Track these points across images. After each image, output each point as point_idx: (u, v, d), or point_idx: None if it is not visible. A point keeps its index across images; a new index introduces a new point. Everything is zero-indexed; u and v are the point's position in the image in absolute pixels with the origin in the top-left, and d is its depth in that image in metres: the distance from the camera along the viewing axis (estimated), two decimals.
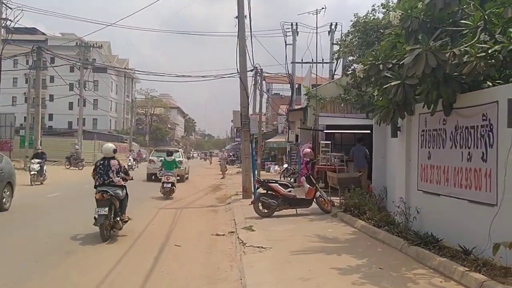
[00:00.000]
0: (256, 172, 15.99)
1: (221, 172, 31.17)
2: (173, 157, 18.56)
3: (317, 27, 19.59)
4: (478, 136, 6.55)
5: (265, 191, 11.44)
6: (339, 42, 14.02)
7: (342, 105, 17.54)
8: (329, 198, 12.11)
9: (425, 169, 8.10)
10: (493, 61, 6.35)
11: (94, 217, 8.73)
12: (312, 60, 26.92)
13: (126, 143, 65.35)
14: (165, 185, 16.64)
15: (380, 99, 8.41)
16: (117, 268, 6.87)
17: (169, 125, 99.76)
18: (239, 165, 46.54)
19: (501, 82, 6.95)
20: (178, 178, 20.50)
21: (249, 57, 22.20)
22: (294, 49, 35.02)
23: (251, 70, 32.28)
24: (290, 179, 19.35)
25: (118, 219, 9.10)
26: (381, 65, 7.74)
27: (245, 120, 15.48)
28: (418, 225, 8.02)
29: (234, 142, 59.71)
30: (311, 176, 11.67)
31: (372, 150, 12.64)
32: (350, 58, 13.84)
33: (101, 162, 9.35)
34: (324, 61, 31.34)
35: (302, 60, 33.76)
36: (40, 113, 31.58)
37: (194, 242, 9.05)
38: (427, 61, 6.38)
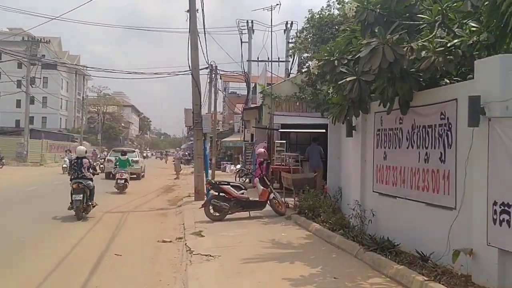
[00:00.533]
0: (209, 172, 15.34)
1: (175, 172, 30.25)
2: (126, 156, 20.66)
3: (272, 23, 19.31)
4: (436, 136, 6.24)
5: (216, 194, 10.87)
6: (293, 39, 13.57)
7: (298, 103, 17.19)
8: (283, 199, 11.67)
9: (380, 170, 7.77)
10: (451, 56, 6.06)
11: (70, 202, 11.42)
12: (268, 58, 26.59)
13: (77, 142, 62.99)
14: (118, 181, 18.55)
15: (335, 96, 8.02)
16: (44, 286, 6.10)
17: (122, 124, 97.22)
18: (193, 165, 45.77)
19: (458, 79, 6.68)
20: (135, 176, 24.47)
21: (203, 54, 21.63)
22: (250, 47, 34.60)
23: (206, 68, 31.72)
24: (245, 180, 18.84)
25: (90, 203, 11.84)
26: (336, 61, 7.34)
27: (197, 118, 14.82)
28: (373, 228, 7.68)
29: (190, 141, 58.80)
30: (265, 177, 11.19)
31: (327, 150, 12.33)
32: (305, 55, 13.48)
33: (76, 160, 12.13)
34: (280, 59, 31.40)
35: (258, 58, 33.44)
36: None
37: (137, 250, 8.35)
38: (384, 55, 6.00)
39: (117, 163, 19.70)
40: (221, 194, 10.80)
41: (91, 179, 11.92)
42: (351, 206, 8.29)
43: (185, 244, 8.36)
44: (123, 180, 18.47)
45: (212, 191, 11.17)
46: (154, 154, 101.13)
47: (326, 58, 7.39)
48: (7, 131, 59.05)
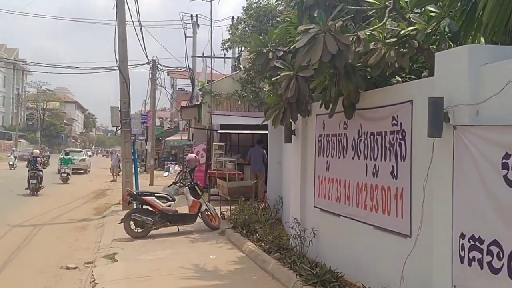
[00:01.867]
0: (138, 178, 13.76)
1: (112, 174, 28.15)
2: (69, 156, 28.45)
3: (211, 16, 17.88)
4: (386, 145, 5.12)
5: (139, 206, 9.43)
6: (229, 31, 12.31)
7: (239, 102, 15.95)
8: (220, 208, 10.39)
9: (323, 182, 6.62)
10: (405, 50, 4.97)
11: (28, 185, 17.93)
12: (214, 54, 25.23)
13: (12, 140, 59.05)
14: (62, 174, 24.66)
15: (270, 94, 6.79)
16: None
17: (65, 121, 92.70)
18: (139, 163, 43.50)
19: (412, 77, 5.63)
20: (82, 171, 32.87)
21: (142, 48, 19.91)
22: (195, 42, 33.07)
23: (148, 63, 29.85)
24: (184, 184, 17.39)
25: (40, 185, 18.13)
26: (270, 53, 6.11)
27: (125, 118, 13.23)
28: (315, 250, 6.53)
29: (138, 140, 56.43)
30: (196, 186, 9.83)
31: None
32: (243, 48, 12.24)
33: (33, 158, 18.93)
34: (226, 56, 30.13)
35: (203, 54, 32.03)
36: None
37: (28, 282, 6.78)
38: (325, 46, 4.79)
39: (62, 161, 26.71)
40: (144, 206, 9.36)
41: (41, 171, 18.65)
42: (290, 224, 7.09)
43: (92, 272, 6.89)
44: (66, 174, 24.66)
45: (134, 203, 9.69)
46: (99, 152, 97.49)
47: (258, 49, 6.15)
48: None
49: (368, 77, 5.59)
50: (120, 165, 32.20)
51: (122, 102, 13.35)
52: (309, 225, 6.81)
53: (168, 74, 50.16)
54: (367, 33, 5.11)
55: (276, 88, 6.18)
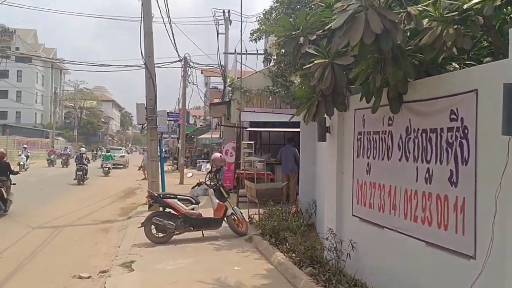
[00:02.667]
0: (164, 178, 13.16)
1: (144, 172, 27.83)
2: (110, 153, 32.20)
3: (241, 10, 17.09)
4: (442, 145, 4.22)
5: (161, 209, 8.78)
6: (259, 20, 11.53)
7: (270, 98, 15.12)
8: (247, 213, 9.65)
9: (363, 187, 5.74)
10: (467, 28, 4.06)
11: (75, 176, 21.83)
12: (246, 51, 24.51)
13: (50, 138, 60.18)
14: (104, 168, 29.25)
15: (302, 87, 5.96)
16: None
17: (102, 119, 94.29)
18: (171, 162, 43.27)
19: (472, 63, 4.69)
20: (122, 166, 37.23)
21: (173, 45, 19.43)
22: (227, 38, 32.44)
23: (179, 61, 29.46)
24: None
25: (86, 177, 22.22)
26: (301, 38, 5.29)
27: (152, 115, 12.66)
28: (353, 266, 5.67)
29: (170, 138, 56.51)
30: (221, 187, 9.09)
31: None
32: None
33: (80, 154, 22.80)
34: (259, 52, 29.37)
35: (235, 51, 31.49)
36: None
37: None
38: (367, 24, 3.95)
39: (104, 157, 31.31)
40: (166, 210, 8.71)
41: (86, 165, 22.34)
42: (325, 235, 6.24)
43: (104, 284, 6.26)
44: (107, 168, 29.31)
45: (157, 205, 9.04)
46: (135, 150, 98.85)
47: (287, 33, 5.33)
48: None
49: (418, 63, 4.70)
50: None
51: (148, 99, 12.79)
52: (346, 236, 5.95)
53: (202, 73, 49.98)
54: (419, 8, 4.23)
55: (308, 78, 5.36)
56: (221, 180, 9.55)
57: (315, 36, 5.24)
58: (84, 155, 22.98)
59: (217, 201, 8.85)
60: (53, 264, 7.61)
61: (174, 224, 8.45)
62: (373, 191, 5.47)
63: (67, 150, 39.81)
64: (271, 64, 11.35)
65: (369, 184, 5.57)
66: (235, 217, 8.95)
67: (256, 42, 12.04)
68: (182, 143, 24.90)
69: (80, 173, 22.07)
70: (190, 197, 8.93)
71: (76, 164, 22.55)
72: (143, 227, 8.51)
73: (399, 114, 4.88)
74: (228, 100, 16.37)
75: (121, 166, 36.96)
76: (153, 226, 8.48)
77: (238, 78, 16.35)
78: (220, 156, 9.95)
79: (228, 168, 15.36)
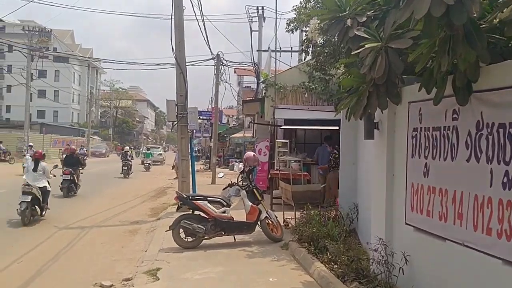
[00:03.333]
0: (195, 177, 12.60)
1: (176, 172, 27.55)
2: (150, 151, 38.78)
3: (276, 5, 16.41)
4: None
5: (190, 212, 8.18)
6: (296, 9, 10.75)
7: (306, 95, 14.38)
8: (282, 216, 8.96)
9: (419, 191, 4.96)
10: None
11: (121, 171, 25.52)
12: (280, 48, 23.84)
13: (90, 137, 61.23)
14: (145, 164, 32.93)
15: (348, 76, 5.22)
16: None
17: (137, 119, 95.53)
18: (203, 161, 43.01)
19: None
20: (159, 162, 39.83)
21: (205, 42, 18.95)
22: (260, 36, 31.93)
23: (212, 59, 29.08)
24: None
25: (130, 171, 26.22)
26: (348, 20, 4.57)
27: (182, 112, 12.14)
28: (407, 282, 4.91)
29: (202, 137, 56.39)
30: (255, 189, 8.43)
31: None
32: None
33: (124, 152, 26.60)
34: (294, 50, 28.64)
35: (269, 48, 30.93)
36: None
37: None
38: None
39: (145, 155, 36.91)
40: (195, 212, 8.11)
41: (131, 161, 25.79)
42: (372, 246, 5.47)
43: None
44: (148, 164, 32.87)
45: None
46: (169, 149, 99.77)
47: (332, 14, 4.62)
48: (17, 125, 57.96)
49: (493, 44, 3.90)
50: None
51: (178, 95, 12.28)
52: (398, 247, 5.18)
53: (235, 72, 49.62)
54: None
55: (356, 66, 4.63)
56: (254, 181, 8.89)
57: (365, 18, 4.50)
58: (128, 152, 26.65)
59: (250, 203, 8.20)
60: (75, 270, 7.13)
61: (204, 228, 7.85)
62: (432, 197, 4.68)
63: (83, 149, 34.08)
64: (308, 57, 10.56)
65: (427, 188, 4.78)
66: (270, 221, 8.27)
67: (292, 32, 11.30)
68: (214, 142, 24.42)
69: (126, 168, 25.53)
70: (221, 199, 8.29)
71: (122, 161, 26.06)
72: (171, 231, 7.94)
73: (467, 107, 4.09)
74: (261, 97, 15.70)
75: (159, 163, 39.51)
76: (181, 230, 7.91)
77: (272, 74, 15.68)
78: (254, 155, 9.23)
79: (261, 168, 14.72)
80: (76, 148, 20.36)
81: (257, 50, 30.98)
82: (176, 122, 12.20)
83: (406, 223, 5.17)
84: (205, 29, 23.95)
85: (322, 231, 7.21)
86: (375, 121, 5.75)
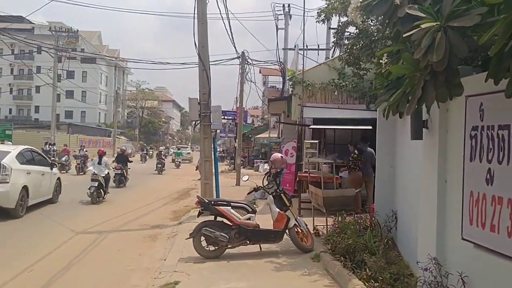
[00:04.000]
0: (218, 180, 11.94)
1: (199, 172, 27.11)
2: (180, 150, 43.57)
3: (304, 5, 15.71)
4: None
5: (212, 218, 7.53)
6: None
7: (336, 93, 13.62)
8: (312, 222, 8.24)
9: (480, 201, 4.16)
10: None
11: (156, 168, 29.75)
12: (307, 46, 23.12)
13: (116, 137, 61.59)
14: (176, 162, 37.74)
15: (395, 63, 4.45)
16: None
17: (163, 119, 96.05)
18: (228, 161, 42.50)
19: None
20: (188, 161, 43.29)
21: (230, 40, 18.38)
22: (287, 34, 31.34)
23: (238, 57, 28.60)
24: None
25: (163, 168, 30.52)
26: None
27: (205, 111, 11.53)
28: None
29: (227, 137, 55.97)
30: (282, 194, 7.71)
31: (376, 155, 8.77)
32: (344, 19, 9.73)
33: (159, 152, 33.28)
34: (320, 47, 27.86)
35: (295, 46, 30.32)
36: None
37: None
38: None
39: (175, 154, 41.03)
40: (218, 219, 7.46)
41: (164, 160, 30.25)
42: (422, 264, 4.69)
43: None
44: (178, 162, 37.72)
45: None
46: (195, 149, 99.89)
47: None
48: (45, 125, 58.89)
49: None
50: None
51: (201, 93, 11.68)
52: (453, 267, 4.39)
53: (260, 72, 49.01)
54: None
55: (409, 49, 3.88)
56: (281, 185, 8.18)
57: None
58: (162, 152, 32.70)
59: (278, 210, 7.49)
60: (87, 281, 6.57)
61: (227, 236, 7.19)
62: (498, 208, 3.89)
63: (84, 150, 29.37)
64: (337, 52, 9.75)
65: (491, 198, 3.99)
66: (299, 229, 7.55)
67: (324, 23, 10.54)
68: (239, 142, 23.78)
69: (160, 165, 29.78)
70: (245, 204, 7.61)
71: (157, 159, 30.57)
72: (191, 239, 7.32)
73: None
74: (288, 95, 14.97)
75: (187, 161, 43.17)
76: (203, 238, 7.27)
77: (299, 71, 14.94)
78: (281, 157, 8.48)
79: (288, 170, 14.01)
80: (125, 149, 23.71)
81: (283, 49, 30.36)
82: (198, 121, 11.59)
83: (463, 239, 4.37)
84: (229, 25, 23.43)
85: (359, 243, 6.45)
86: (423, 119, 4.98)
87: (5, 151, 11.86)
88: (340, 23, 9.04)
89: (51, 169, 13.85)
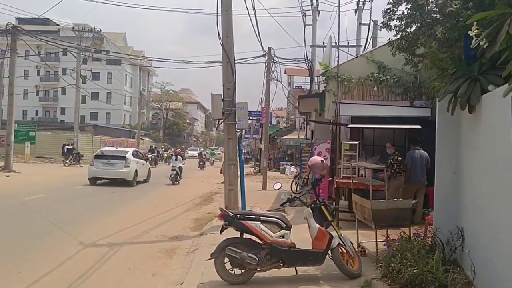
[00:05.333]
0: (244, 185, 10.56)
1: (223, 175, 25.82)
2: (213, 151, 58.38)
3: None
4: None
5: (238, 234, 6.23)
6: None
7: (376, 88, 12.16)
8: (356, 239, 6.88)
9: None
10: None
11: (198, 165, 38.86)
12: (336, 43, 21.67)
13: (141, 138, 61.19)
14: (211, 161, 47.12)
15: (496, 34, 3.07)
16: None
17: (187, 121, 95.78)
18: (253, 163, 41.24)
19: None
20: (219, 160, 46.29)
21: (257, 36, 17.19)
22: (314, 30, 29.81)
23: (263, 55, 27.30)
24: (301, 192, 14.12)
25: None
26: None
27: (230, 108, 10.26)
28: None
29: (252, 139, 54.70)
30: (323, 205, 6.35)
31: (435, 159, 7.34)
32: None
33: (200, 152, 48.42)
34: (350, 44, 26.45)
35: (323, 43, 28.90)
36: (14, 103, 26.69)
37: None
38: None
39: (210, 154, 52.93)
40: (245, 236, 6.15)
41: (204, 158, 41.08)
42: None
43: None
44: (212, 160, 47.00)
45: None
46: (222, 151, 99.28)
47: None
48: (71, 127, 58.92)
49: None
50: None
51: (225, 88, 10.42)
52: None
53: (285, 73, 47.69)
54: None
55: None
56: (321, 196, 6.81)
57: None
58: (203, 153, 42.52)
59: (318, 226, 6.13)
60: None
61: (257, 258, 5.86)
62: None
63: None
64: (365, 49, 8.35)
65: None
66: (344, 249, 6.18)
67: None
68: (265, 143, 22.45)
69: (202, 163, 38.04)
70: (278, 219, 6.24)
71: (199, 158, 39.73)
72: (213, 260, 6.04)
73: None
74: (321, 91, 13.57)
75: (219, 160, 46.98)
76: (227, 259, 5.98)
77: (333, 66, 13.53)
78: (322, 161, 6.93)
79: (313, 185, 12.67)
80: (180, 150, 31.10)
81: (311, 46, 28.96)
82: (222, 120, 10.33)
83: None
84: (256, 19, 22.11)
85: (426, 271, 5.03)
86: None
87: (126, 151, 22.48)
88: (392, 7, 7.62)
89: (146, 161, 24.42)
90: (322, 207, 6.28)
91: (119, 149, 24.17)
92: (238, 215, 6.13)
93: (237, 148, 10.45)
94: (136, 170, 21.00)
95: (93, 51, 42.87)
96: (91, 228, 10.46)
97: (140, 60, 72.89)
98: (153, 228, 10.84)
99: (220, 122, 10.42)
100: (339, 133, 12.33)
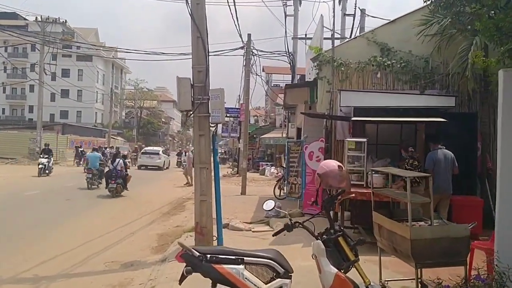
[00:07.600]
0: (220, 194, 8.14)
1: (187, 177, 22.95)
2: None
3: None
4: None
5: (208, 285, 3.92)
6: None
7: (379, 75, 10.09)
8: (379, 279, 4.69)
9: None
10: None
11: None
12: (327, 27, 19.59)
13: (113, 138, 58.28)
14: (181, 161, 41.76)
15: None
16: None
17: (163, 120, 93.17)
18: (231, 164, 38.90)
19: None
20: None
21: (236, 26, 14.81)
22: (296, 21, 27.85)
23: (242, 47, 25.03)
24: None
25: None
26: None
27: (201, 96, 7.89)
28: None
29: (229, 138, 52.21)
30: (341, 238, 4.05)
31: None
32: None
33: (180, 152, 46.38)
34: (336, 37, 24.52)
35: (306, 35, 26.99)
36: None
37: None
38: None
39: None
40: (220, 286, 3.86)
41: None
42: None
43: None
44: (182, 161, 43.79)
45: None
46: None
47: None
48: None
49: None
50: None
51: (195, 71, 8.04)
52: None
53: (263, 70, 45.62)
54: None
55: None
56: (339, 224, 4.55)
57: None
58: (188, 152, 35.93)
59: (334, 269, 3.86)
60: None
61: None
62: None
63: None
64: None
65: None
66: None
67: None
68: (244, 143, 20.09)
69: (180, 160, 37.73)
70: (272, 259, 3.92)
71: (177, 156, 40.24)
72: None
73: None
74: (312, 79, 11.35)
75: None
76: None
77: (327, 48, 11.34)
78: (340, 167, 4.34)
79: (312, 179, 10.49)
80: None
81: (292, 38, 26.98)
82: (191, 112, 7.96)
83: None
84: (235, 9, 19.79)
85: None
86: None
87: (158, 149, 38.70)
88: None
89: (168, 155, 39.24)
90: (340, 239, 4.00)
91: (155, 148, 40.25)
92: (209, 255, 3.79)
93: (211, 147, 8.09)
94: (165, 161, 36.10)
95: (59, 43, 39.87)
96: (20, 250, 8.04)
97: (113, 56, 69.96)
98: (104, 249, 8.48)
99: (189, 115, 8.03)
100: (335, 129, 10.17)
